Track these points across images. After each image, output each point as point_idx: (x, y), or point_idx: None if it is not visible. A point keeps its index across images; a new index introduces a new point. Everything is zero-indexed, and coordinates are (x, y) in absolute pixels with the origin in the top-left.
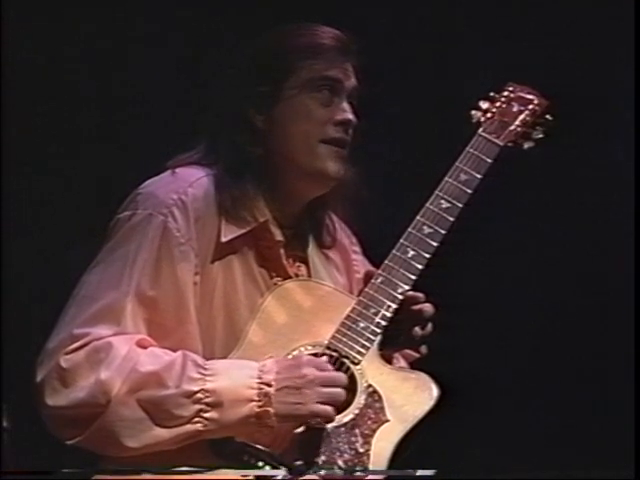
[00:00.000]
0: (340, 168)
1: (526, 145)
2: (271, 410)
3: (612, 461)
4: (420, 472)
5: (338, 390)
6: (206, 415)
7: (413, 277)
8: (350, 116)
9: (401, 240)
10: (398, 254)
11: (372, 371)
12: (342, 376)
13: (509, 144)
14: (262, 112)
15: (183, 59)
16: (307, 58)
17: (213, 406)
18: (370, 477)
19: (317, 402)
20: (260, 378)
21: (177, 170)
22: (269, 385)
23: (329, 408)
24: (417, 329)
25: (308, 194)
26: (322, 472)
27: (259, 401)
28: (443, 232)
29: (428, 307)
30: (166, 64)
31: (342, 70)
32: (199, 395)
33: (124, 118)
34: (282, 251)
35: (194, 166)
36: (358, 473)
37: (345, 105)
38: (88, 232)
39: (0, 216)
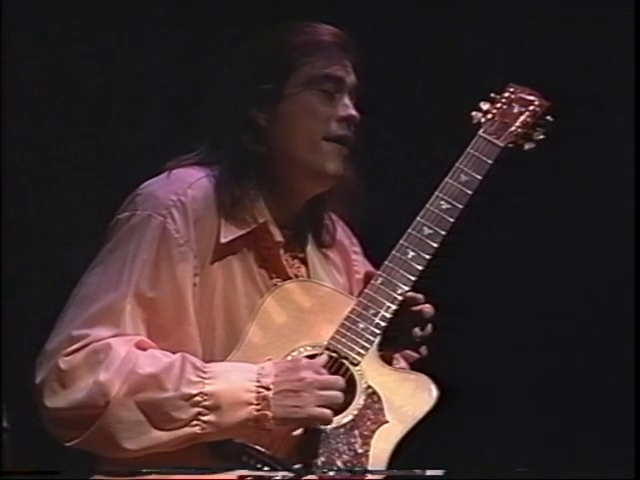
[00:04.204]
0: (340, 166)
1: (527, 146)
2: (269, 413)
3: (612, 461)
4: (430, 472)
5: (336, 393)
6: (204, 418)
7: (413, 278)
8: (353, 112)
9: (401, 241)
10: (398, 255)
11: (371, 372)
12: (340, 379)
13: (510, 145)
14: (265, 110)
15: (183, 59)
16: (307, 55)
17: (211, 409)
18: (370, 477)
19: (315, 405)
20: (259, 381)
21: (176, 171)
22: (267, 388)
23: (327, 411)
24: (417, 330)
25: (308, 192)
26: (331, 473)
27: (257, 404)
28: (443, 233)
29: (428, 308)
30: (166, 64)
31: (342, 67)
32: (198, 398)
33: (124, 118)
34: (282, 252)
35: (194, 167)
36: (369, 475)
37: (347, 101)
38: (88, 232)
39: (0, 216)
